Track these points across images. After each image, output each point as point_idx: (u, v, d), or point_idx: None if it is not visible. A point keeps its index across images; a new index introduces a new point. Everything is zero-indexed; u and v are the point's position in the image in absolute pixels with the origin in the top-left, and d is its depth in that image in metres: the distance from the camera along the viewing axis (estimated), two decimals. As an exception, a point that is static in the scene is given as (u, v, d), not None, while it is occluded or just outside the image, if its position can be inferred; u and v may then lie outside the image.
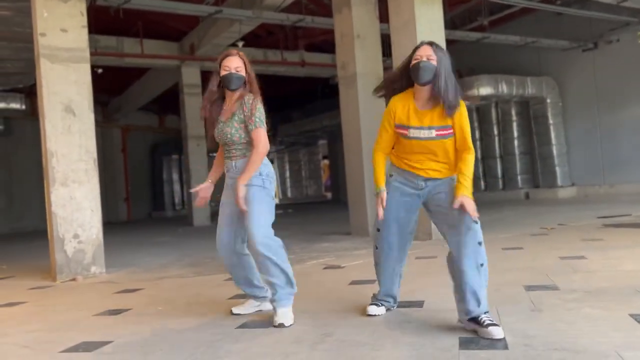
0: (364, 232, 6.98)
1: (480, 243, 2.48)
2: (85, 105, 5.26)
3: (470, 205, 2.42)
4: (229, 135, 2.91)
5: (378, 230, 2.78)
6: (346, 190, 7.64)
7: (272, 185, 2.95)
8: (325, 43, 12.39)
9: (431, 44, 2.56)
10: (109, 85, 14.55)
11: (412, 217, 2.75)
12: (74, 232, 5.13)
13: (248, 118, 2.87)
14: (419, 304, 3.02)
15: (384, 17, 7.10)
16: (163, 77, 13.47)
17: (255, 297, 3.12)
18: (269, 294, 2.95)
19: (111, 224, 14.95)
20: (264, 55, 12.51)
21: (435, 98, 2.54)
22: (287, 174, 28.20)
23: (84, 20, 5.39)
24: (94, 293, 4.32)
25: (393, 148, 2.77)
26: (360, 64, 7.13)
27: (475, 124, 13.96)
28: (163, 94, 14.66)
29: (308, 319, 2.88)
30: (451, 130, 2.56)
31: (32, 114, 12.57)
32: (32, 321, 3.35)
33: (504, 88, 12.31)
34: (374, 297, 2.92)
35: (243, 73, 2.94)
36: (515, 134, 13.30)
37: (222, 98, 3.04)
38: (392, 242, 2.76)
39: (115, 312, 3.47)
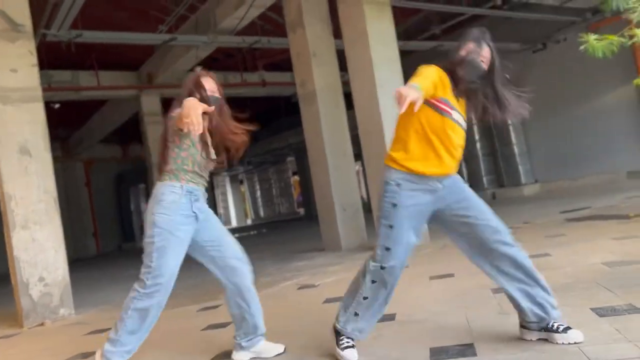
0: (337, 247, 7.00)
1: None
2: (41, 144, 5.16)
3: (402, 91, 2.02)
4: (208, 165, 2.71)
5: (387, 249, 2.33)
6: (316, 205, 7.67)
7: None
8: (284, 61, 12.46)
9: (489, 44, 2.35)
10: (68, 120, 14.32)
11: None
12: (38, 275, 4.99)
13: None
14: (391, 317, 3.05)
15: (337, 33, 7.22)
16: (123, 107, 13.32)
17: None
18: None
19: (80, 260, 14.58)
20: (223, 78, 12.49)
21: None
22: (258, 193, 28.10)
23: (33, 59, 5.30)
24: (64, 337, 4.21)
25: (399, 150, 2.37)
26: (318, 80, 7.21)
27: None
28: (124, 123, 14.48)
29: (283, 343, 2.86)
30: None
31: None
32: (-2, 373, 3.24)
33: (461, 93, 12.61)
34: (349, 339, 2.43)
35: (218, 95, 2.76)
36: (477, 137, 13.60)
37: None
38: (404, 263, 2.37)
39: (87, 355, 3.38)
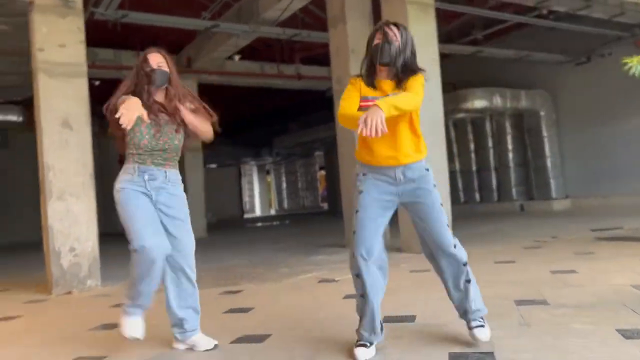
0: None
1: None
2: (82, 119, 5.31)
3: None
4: (169, 141, 2.72)
5: (354, 232, 2.47)
6: (342, 201, 7.69)
7: None
8: (321, 56, 12.49)
9: (397, 24, 2.51)
10: (107, 97, 14.62)
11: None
12: (70, 246, 5.15)
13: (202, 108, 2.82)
14: (411, 319, 3.06)
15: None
16: (160, 89, 13.54)
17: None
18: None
19: (109, 234, 14.93)
20: (260, 68, 12.61)
21: (392, 73, 2.48)
22: (284, 185, 28.24)
23: (81, 36, 5.45)
24: (90, 307, 4.34)
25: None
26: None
27: (470, 136, 14.06)
28: (160, 105, 14.72)
29: (301, 334, 2.91)
30: None
31: (29, 125, 12.61)
32: (27, 336, 3.37)
33: (498, 101, 12.42)
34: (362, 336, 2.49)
35: (166, 69, 2.73)
36: (510, 146, 13.38)
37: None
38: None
39: (110, 326, 3.48)
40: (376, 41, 2.47)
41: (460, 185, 14.16)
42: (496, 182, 13.71)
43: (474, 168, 14.01)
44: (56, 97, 5.22)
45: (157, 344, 2.93)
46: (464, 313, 2.55)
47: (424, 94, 2.44)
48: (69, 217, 5.15)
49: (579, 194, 12.49)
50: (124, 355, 2.75)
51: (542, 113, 12.80)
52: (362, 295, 2.45)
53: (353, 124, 2.30)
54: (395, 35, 2.46)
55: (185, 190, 2.87)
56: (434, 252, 2.56)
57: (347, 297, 3.87)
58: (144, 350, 2.83)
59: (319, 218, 16.82)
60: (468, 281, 2.54)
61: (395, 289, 4.00)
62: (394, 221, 3.90)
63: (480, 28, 11.77)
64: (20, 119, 12.30)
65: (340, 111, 2.45)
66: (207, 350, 2.76)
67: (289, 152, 23.01)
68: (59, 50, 5.29)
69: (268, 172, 28.98)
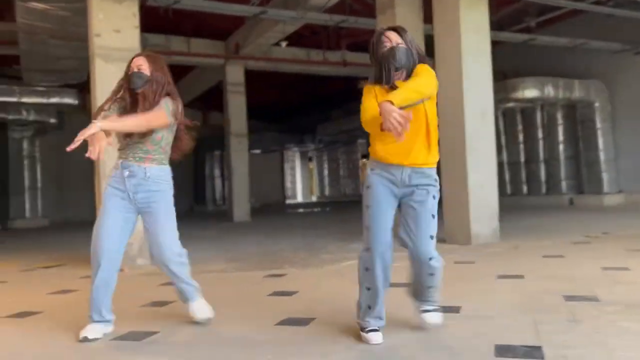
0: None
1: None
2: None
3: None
4: (151, 134, 2.76)
5: (367, 227, 2.53)
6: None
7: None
8: (368, 43, 12.39)
9: (400, 29, 2.52)
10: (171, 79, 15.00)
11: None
12: (122, 225, 5.34)
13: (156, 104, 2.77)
14: (456, 310, 3.04)
15: (428, 18, 7.08)
16: (208, 75, 13.78)
17: (108, 321, 2.85)
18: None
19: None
20: (306, 54, 12.63)
21: (404, 76, 2.48)
22: (326, 172, 28.29)
23: (136, 21, 5.61)
24: (140, 284, 4.51)
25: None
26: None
27: (520, 127, 13.68)
28: (207, 91, 14.99)
29: (344, 319, 2.94)
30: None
31: (84, 108, 13.10)
32: (83, 309, 3.53)
33: (550, 91, 12.03)
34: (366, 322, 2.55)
35: (146, 72, 2.79)
36: (561, 137, 12.95)
37: (134, 103, 2.84)
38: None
39: (160, 303, 3.62)
40: (385, 46, 2.47)
41: (507, 177, 13.84)
42: (545, 174, 13.32)
43: (522, 159, 13.65)
44: (111, 82, 5.28)
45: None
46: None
47: (435, 78, 2.42)
48: (121, 198, 5.34)
49: (633, 189, 11.99)
50: (175, 331, 2.86)
51: (596, 104, 12.31)
52: (368, 288, 2.53)
53: (378, 127, 2.31)
54: (399, 39, 2.47)
55: (230, 175, 2.98)
56: (411, 255, 2.56)
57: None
58: (194, 327, 2.93)
59: (360, 206, 16.77)
60: (431, 274, 2.57)
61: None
62: (440, 214, 3.87)
63: (533, 15, 11.36)
64: (76, 101, 12.80)
65: (363, 118, 2.45)
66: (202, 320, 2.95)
67: (331, 139, 23.01)
68: (115, 35, 5.46)
69: (310, 159, 29.09)
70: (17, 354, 2.60)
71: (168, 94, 2.86)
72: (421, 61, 2.50)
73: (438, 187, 2.53)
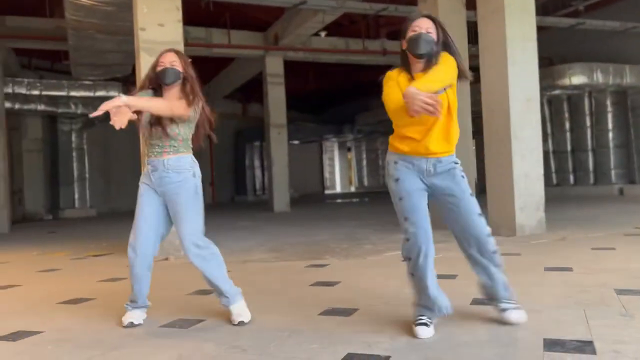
0: (443, 224, 6.87)
1: None
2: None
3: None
4: (167, 130, 2.80)
5: (406, 218, 2.49)
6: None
7: (201, 190, 2.93)
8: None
9: (432, 17, 2.48)
10: (198, 75, 15.26)
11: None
12: (167, 215, 5.47)
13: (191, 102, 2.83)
14: (501, 302, 2.98)
15: (470, 4, 6.91)
16: (248, 66, 13.91)
17: (145, 307, 3.00)
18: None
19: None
20: (345, 44, 12.57)
21: (428, 66, 2.44)
22: (364, 162, 28.17)
23: (179, 15, 5.70)
24: (185, 273, 4.62)
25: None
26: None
27: (566, 115, 13.25)
28: (247, 82, 15.14)
29: (388, 310, 2.93)
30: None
31: (128, 101, 13.45)
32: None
33: (599, 77, 11.59)
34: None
35: (179, 68, 2.87)
36: (610, 125, 12.48)
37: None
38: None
39: (206, 292, 3.69)
40: (411, 33, 2.43)
41: (553, 166, 13.45)
42: (593, 163, 12.88)
43: (568, 148, 13.24)
44: (156, 75, 5.50)
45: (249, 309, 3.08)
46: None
47: (455, 67, 2.40)
48: (166, 188, 5.47)
49: (689, 178, 11.45)
50: (220, 319, 2.91)
51: (649, 90, 11.79)
52: (412, 274, 2.51)
53: (405, 114, 2.29)
54: (430, 28, 2.42)
55: (270, 166, 2.99)
56: (465, 245, 2.59)
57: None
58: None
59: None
60: (494, 252, 2.55)
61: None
62: (483, 204, 3.80)
63: (582, -2, 10.96)
64: (121, 94, 13.14)
65: (390, 108, 2.44)
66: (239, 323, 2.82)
67: (370, 129, 22.85)
68: (159, 29, 5.57)
69: (349, 149, 29.01)
70: (73, 339, 2.71)
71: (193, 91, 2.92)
72: (445, 50, 2.45)
73: (460, 166, 2.54)
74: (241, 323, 2.77)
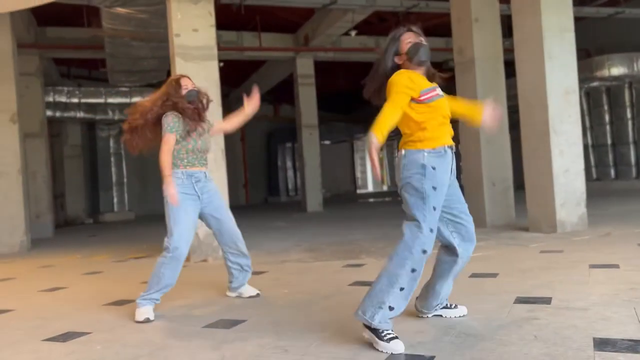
0: (481, 222, 6.77)
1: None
2: (214, 99, 5.65)
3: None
4: (208, 145, 3.47)
5: (432, 230, 2.47)
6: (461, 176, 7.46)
7: None
8: (438, 27, 12.08)
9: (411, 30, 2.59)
10: (229, 78, 15.42)
11: None
12: (204, 217, 5.56)
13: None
14: (547, 301, 2.92)
15: (504, -2, 6.79)
16: (278, 68, 14.00)
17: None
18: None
19: (232, 208, 15.96)
20: (375, 42, 12.51)
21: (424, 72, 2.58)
22: (396, 161, 28.00)
23: (212, 20, 5.78)
24: (224, 274, 4.67)
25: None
26: (478, 48, 6.88)
27: (606, 107, 12.86)
28: (278, 84, 15.23)
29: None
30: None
31: (163, 106, 13.72)
32: (174, 297, 3.73)
33: (639, 67, 11.20)
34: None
35: (193, 87, 3.53)
36: (629, 115, 12.05)
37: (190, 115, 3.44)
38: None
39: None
40: (410, 40, 2.54)
41: (592, 160, 13.08)
42: (635, 157, 12.46)
43: (608, 142, 12.85)
44: (192, 80, 5.59)
45: (288, 309, 3.10)
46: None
47: (396, 88, 2.44)
48: (203, 191, 5.55)
49: None
50: (261, 319, 2.94)
51: (692, 78, 11.34)
52: (413, 271, 2.41)
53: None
54: (420, 38, 2.56)
55: (302, 166, 3.22)
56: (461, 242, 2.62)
57: (473, 275, 3.78)
58: (280, 314, 3.01)
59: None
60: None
61: (525, 269, 3.84)
62: (521, 200, 3.68)
63: (620, -14, 10.62)
64: (156, 100, 13.41)
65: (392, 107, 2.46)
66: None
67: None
68: (193, 34, 5.65)
69: (381, 148, 28.90)
70: (119, 339, 2.78)
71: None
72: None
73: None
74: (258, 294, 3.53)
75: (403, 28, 2.60)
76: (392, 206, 13.35)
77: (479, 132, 6.83)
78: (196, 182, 3.33)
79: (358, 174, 27.88)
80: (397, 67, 2.55)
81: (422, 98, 2.44)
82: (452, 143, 2.53)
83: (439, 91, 2.53)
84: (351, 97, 20.81)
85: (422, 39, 2.55)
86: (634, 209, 7.64)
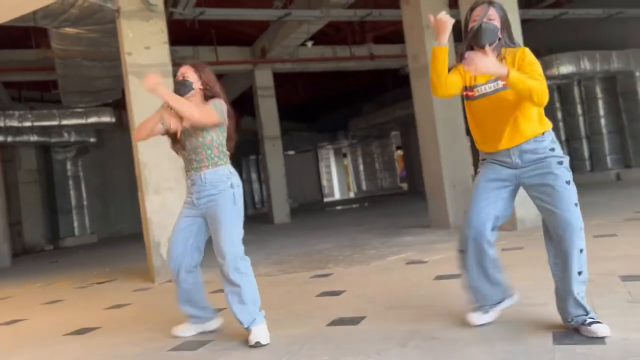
0: (445, 224, 6.90)
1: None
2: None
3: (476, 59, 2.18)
4: (200, 139, 2.81)
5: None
6: (422, 180, 7.59)
7: (241, 199, 2.87)
8: (393, 34, 12.30)
9: (491, 2, 2.41)
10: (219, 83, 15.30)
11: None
12: (168, 236, 5.43)
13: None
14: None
15: (453, 3, 6.96)
16: (237, 81, 13.95)
17: (196, 318, 3.07)
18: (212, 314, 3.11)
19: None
20: (333, 52, 12.63)
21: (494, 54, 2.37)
22: (361, 167, 28.22)
23: (164, 37, 5.72)
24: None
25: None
26: (431, 54, 7.02)
27: (557, 105, 13.30)
28: (238, 97, 15.17)
29: (395, 315, 2.93)
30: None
31: (120, 125, 13.46)
32: (139, 322, 3.65)
33: (586, 65, 11.64)
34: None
35: (190, 79, 2.85)
36: (602, 112, 12.53)
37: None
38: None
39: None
40: (471, 23, 2.40)
41: (547, 156, 13.48)
42: (588, 151, 12.92)
43: (562, 137, 13.28)
44: (146, 98, 5.49)
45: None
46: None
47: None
48: (165, 210, 5.46)
49: (684, 158, 11.50)
50: (230, 339, 2.90)
51: (637, 73, 11.86)
52: (463, 267, 2.50)
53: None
54: (493, 14, 2.37)
55: (267, 178, 3.00)
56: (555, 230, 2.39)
57: (438, 277, 3.84)
58: (245, 334, 2.98)
59: (399, 199, 16.70)
60: (582, 250, 2.42)
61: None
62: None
63: (563, -12, 11.05)
64: (113, 119, 13.16)
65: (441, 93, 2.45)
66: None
67: (364, 134, 22.92)
68: (146, 52, 5.58)
69: (345, 155, 29.07)
70: (81, 369, 2.70)
71: (214, 96, 2.89)
72: (514, 42, 2.42)
73: (559, 154, 2.36)
74: (258, 344, 2.68)
75: (477, 2, 2.44)
76: (359, 212, 13.43)
77: (437, 137, 6.97)
78: (191, 185, 2.93)
79: (324, 182, 27.98)
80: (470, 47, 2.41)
81: (467, 93, 2.49)
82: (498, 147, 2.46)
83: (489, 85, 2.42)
84: (313, 106, 20.92)
85: (491, 15, 2.36)
86: (590, 202, 7.90)
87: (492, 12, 2.38)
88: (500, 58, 2.37)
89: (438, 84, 2.41)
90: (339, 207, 17.45)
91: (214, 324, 3.11)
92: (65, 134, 13.03)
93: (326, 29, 11.48)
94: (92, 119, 12.84)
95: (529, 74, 2.26)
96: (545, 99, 2.24)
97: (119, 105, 12.77)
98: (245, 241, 2.89)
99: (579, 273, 2.29)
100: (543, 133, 2.35)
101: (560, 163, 2.34)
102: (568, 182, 2.34)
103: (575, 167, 13.16)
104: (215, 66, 11.72)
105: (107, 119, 13.01)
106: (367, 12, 9.45)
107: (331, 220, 11.56)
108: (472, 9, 2.44)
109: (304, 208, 19.28)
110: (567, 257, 2.29)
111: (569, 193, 2.33)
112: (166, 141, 3.07)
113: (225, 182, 2.84)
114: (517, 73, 2.22)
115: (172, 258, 2.94)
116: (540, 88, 2.22)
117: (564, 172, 2.34)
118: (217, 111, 2.80)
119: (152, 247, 5.42)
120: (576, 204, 2.34)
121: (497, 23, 2.36)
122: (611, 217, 5.82)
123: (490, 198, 2.44)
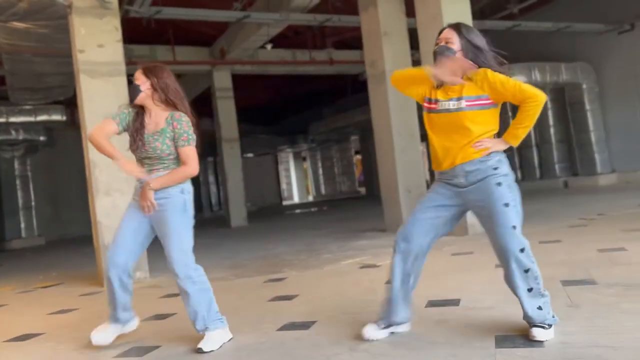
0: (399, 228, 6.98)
1: (514, 227, 2.32)
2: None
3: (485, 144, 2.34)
4: (158, 151, 2.72)
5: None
6: (379, 184, 7.68)
7: (192, 206, 2.82)
8: (353, 39, 12.40)
9: (455, 26, 2.47)
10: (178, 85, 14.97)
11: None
12: (118, 239, 5.33)
13: (179, 135, 2.71)
14: (455, 302, 3.05)
15: (410, 11, 7.09)
16: (195, 82, 13.75)
17: (122, 321, 2.96)
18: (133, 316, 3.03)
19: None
20: (292, 55, 12.63)
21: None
22: (320, 171, 28.33)
23: (118, 35, 5.59)
24: (140, 298, 4.48)
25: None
26: (389, 61, 7.14)
27: (509, 114, 13.72)
28: (196, 98, 14.95)
29: (346, 320, 2.95)
30: (488, 101, 2.39)
31: (72, 124, 13.04)
32: (85, 327, 3.52)
33: (537, 76, 12.07)
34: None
35: (138, 82, 2.75)
36: (551, 121, 13.01)
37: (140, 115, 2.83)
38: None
39: (162, 316, 3.62)
40: (434, 47, 2.47)
41: (500, 164, 13.89)
42: (538, 159, 13.39)
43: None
44: (98, 96, 5.38)
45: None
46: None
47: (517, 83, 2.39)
48: (116, 212, 5.31)
49: (626, 168, 12.06)
50: (178, 345, 2.85)
51: (584, 86, 12.38)
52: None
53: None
54: (452, 38, 2.42)
55: (224, 180, 2.92)
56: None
57: (390, 282, 3.87)
58: (197, 339, 2.93)
59: (357, 203, 16.84)
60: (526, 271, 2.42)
61: (438, 272, 3.99)
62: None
63: (515, 1, 11.42)
64: (64, 117, 12.75)
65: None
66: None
67: (324, 138, 23.03)
68: (98, 50, 5.44)
69: (304, 159, 29.10)
70: (20, 378, 2.59)
71: (174, 104, 2.78)
72: (482, 62, 2.42)
73: (501, 173, 2.35)
74: (200, 350, 2.63)
75: (445, 26, 2.51)
76: (317, 216, 13.47)
77: (392, 142, 7.07)
78: (139, 188, 2.86)
79: (283, 186, 27.91)
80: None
81: (425, 105, 2.57)
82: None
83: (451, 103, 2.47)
84: (273, 109, 20.85)
85: (450, 39, 2.42)
86: (538, 209, 8.19)
87: (449, 35, 2.43)
88: (467, 78, 2.39)
89: (401, 77, 2.56)
90: (297, 211, 17.44)
91: (134, 324, 3.05)
92: (13, 132, 12.54)
93: (286, 32, 11.48)
94: (42, 117, 12.40)
95: (511, 92, 2.35)
96: (541, 95, 2.36)
97: (71, 103, 12.36)
98: (198, 245, 2.85)
99: (529, 290, 2.31)
100: (490, 153, 2.37)
101: (499, 184, 2.32)
102: (506, 205, 2.29)
103: (525, 174, 13.61)
104: (172, 66, 11.50)
105: (57, 117, 12.60)
106: (327, 17, 9.51)
107: (289, 224, 11.54)
108: (439, 33, 2.50)
109: (262, 211, 19.17)
110: (511, 279, 2.36)
111: (506, 216, 2.29)
112: (119, 140, 2.94)
113: (175, 188, 2.76)
114: (515, 129, 2.42)
115: (115, 264, 2.77)
116: (531, 95, 2.36)
117: (502, 194, 2.31)
118: (191, 138, 2.74)
119: (102, 250, 5.26)
120: (514, 227, 2.30)
121: (453, 46, 2.40)
122: (557, 224, 6.05)
123: (428, 219, 2.52)
